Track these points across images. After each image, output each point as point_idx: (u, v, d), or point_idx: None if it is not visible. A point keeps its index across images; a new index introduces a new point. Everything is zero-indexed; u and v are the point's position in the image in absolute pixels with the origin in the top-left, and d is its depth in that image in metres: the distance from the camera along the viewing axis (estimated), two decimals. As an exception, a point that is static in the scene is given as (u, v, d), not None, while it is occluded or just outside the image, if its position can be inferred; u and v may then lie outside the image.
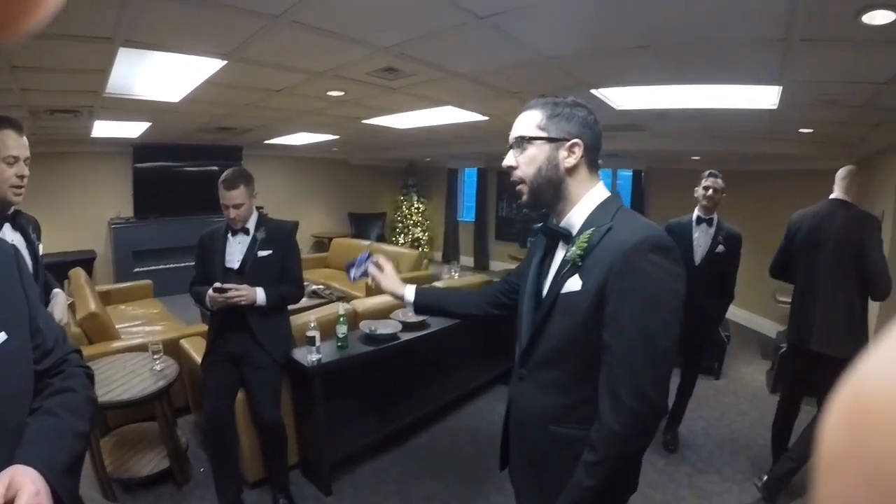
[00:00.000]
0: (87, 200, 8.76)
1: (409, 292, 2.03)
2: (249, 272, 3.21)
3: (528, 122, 1.54)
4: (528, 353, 1.59)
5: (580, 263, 1.45)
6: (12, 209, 2.25)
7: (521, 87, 4.55)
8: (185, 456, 3.69)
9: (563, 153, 1.52)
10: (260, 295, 3.17)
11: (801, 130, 5.60)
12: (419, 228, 13.15)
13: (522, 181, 1.55)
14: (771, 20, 2.63)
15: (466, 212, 13.38)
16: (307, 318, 3.63)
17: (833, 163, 6.59)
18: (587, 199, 1.55)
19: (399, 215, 13.26)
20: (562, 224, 1.58)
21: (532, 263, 1.70)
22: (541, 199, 1.57)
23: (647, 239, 1.37)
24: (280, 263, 3.30)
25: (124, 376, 3.35)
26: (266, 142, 9.43)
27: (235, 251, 3.27)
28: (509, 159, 1.57)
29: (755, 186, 8.27)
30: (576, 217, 1.55)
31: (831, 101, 4.07)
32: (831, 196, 3.46)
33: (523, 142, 1.54)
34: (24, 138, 2.21)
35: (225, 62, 3.79)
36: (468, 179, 13.38)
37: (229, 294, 3.07)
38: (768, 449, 3.88)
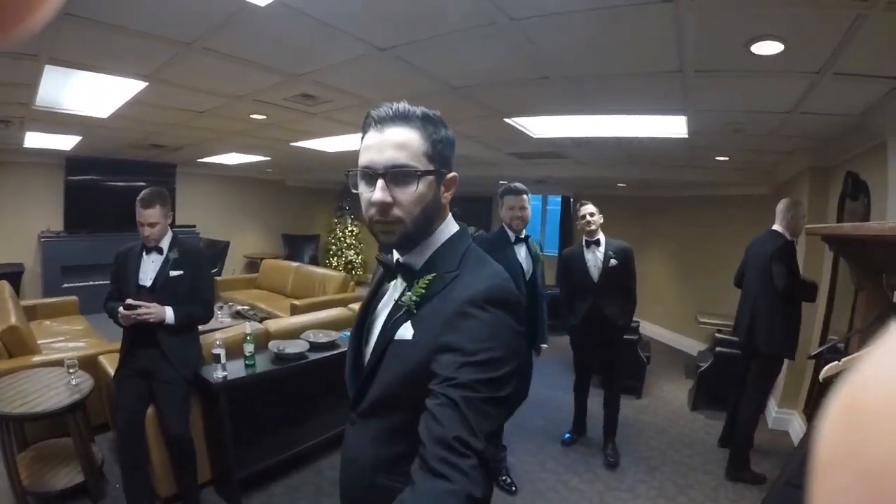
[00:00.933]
0: (17, 212, 8.55)
1: None
2: (160, 291, 3.28)
3: (412, 148, 1.22)
4: (357, 399, 1.39)
5: (415, 311, 1.26)
6: None
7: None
8: (101, 471, 3.68)
9: (443, 188, 1.30)
10: (169, 314, 3.23)
11: (717, 158, 5.90)
12: (352, 251, 13.17)
13: (399, 221, 1.24)
14: (662, 53, 2.80)
15: (398, 236, 13.41)
16: (214, 337, 3.69)
17: (755, 189, 7.08)
18: (438, 233, 1.33)
19: (333, 238, 13.27)
20: (404, 258, 1.36)
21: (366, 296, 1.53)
22: (415, 241, 1.30)
23: (489, 290, 1.19)
24: (191, 284, 3.37)
25: (39, 390, 3.37)
26: (200, 160, 9.38)
27: (149, 269, 3.32)
28: (383, 194, 1.22)
29: (681, 212, 8.64)
30: (422, 252, 1.33)
31: (738, 129, 4.35)
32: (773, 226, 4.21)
33: (408, 176, 1.22)
34: None
35: (146, 83, 3.90)
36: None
37: (139, 311, 3.12)
38: (685, 466, 4.37)
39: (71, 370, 3.49)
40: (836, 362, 1.76)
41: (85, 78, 3.83)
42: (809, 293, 4.09)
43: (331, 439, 4.29)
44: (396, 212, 1.23)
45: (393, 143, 1.22)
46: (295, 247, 12.61)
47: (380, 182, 1.22)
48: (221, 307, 6.96)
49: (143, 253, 3.34)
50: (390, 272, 1.41)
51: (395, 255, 1.38)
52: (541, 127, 5.11)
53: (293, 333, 4.36)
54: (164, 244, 3.35)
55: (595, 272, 4.40)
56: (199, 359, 3.53)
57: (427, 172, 1.24)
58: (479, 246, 1.37)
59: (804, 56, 2.62)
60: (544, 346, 4.05)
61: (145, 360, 3.29)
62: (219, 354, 3.42)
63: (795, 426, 4.96)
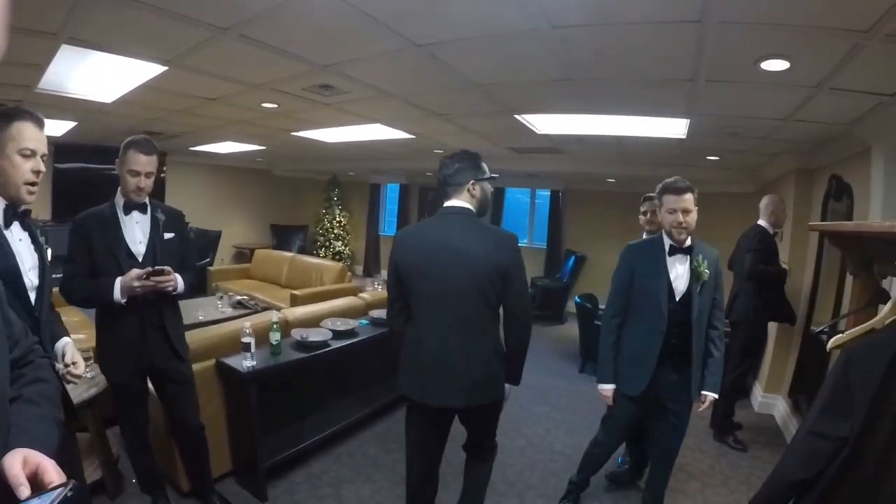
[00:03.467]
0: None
1: None
2: (159, 258, 2.87)
3: None
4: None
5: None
6: (22, 208, 2.08)
7: (449, 109, 4.81)
8: (117, 467, 3.56)
9: None
10: (180, 282, 2.90)
11: (708, 158, 6.15)
12: (340, 242, 13.18)
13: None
14: (680, 63, 3.02)
15: (388, 226, 13.54)
16: (241, 325, 3.60)
17: (741, 187, 7.35)
18: None
19: (321, 228, 13.25)
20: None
21: None
22: None
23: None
24: (180, 249, 3.05)
25: None
26: (191, 148, 9.27)
27: (136, 232, 2.88)
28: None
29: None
30: None
31: (734, 132, 4.60)
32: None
33: None
34: (44, 133, 2.09)
35: (166, 68, 3.80)
36: (390, 195, 13.59)
37: (163, 278, 2.74)
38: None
39: (86, 363, 3.28)
40: (840, 334, 2.06)
41: (97, 60, 3.70)
42: (774, 279, 4.69)
43: (347, 427, 4.37)
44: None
45: None
46: (283, 237, 12.59)
47: None
48: (221, 297, 6.95)
49: (121, 214, 2.86)
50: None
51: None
52: (547, 123, 5.21)
53: (311, 322, 4.39)
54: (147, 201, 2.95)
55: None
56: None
57: None
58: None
59: (806, 73, 2.90)
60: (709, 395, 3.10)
61: (156, 357, 2.94)
62: (249, 343, 3.37)
63: (780, 409, 5.24)
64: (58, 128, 6.95)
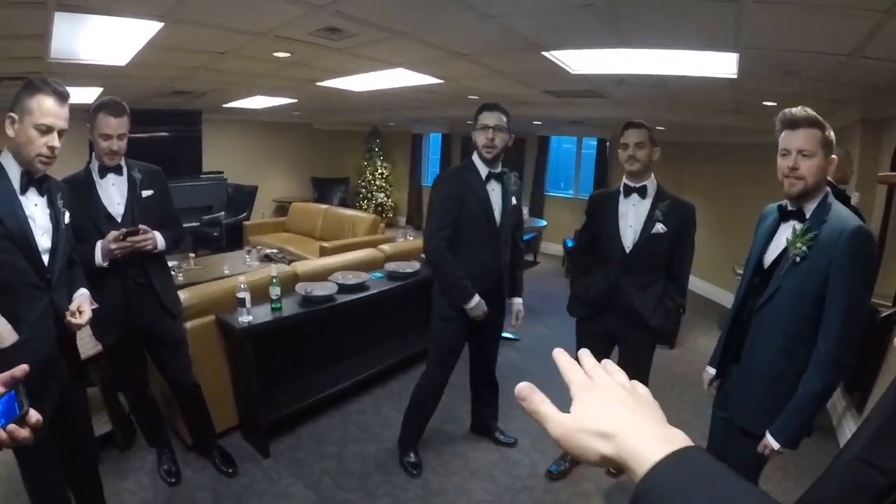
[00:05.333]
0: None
1: None
2: (138, 217, 2.83)
3: None
4: None
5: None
6: (40, 174, 2.19)
7: (469, 47, 4.51)
8: (129, 420, 3.61)
9: None
10: (160, 240, 2.87)
11: (764, 103, 5.59)
12: (383, 193, 13.07)
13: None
14: None
15: (430, 177, 13.31)
16: (238, 281, 3.53)
17: None
18: None
19: (363, 180, 13.16)
20: None
21: None
22: None
23: None
24: (160, 204, 2.99)
25: None
26: (225, 105, 9.24)
27: (113, 194, 2.84)
28: None
29: (720, 159, 8.39)
30: None
31: (792, 71, 4.04)
32: None
33: None
34: (66, 108, 2.15)
35: (161, 24, 3.71)
36: (433, 145, 13.33)
37: (138, 238, 2.71)
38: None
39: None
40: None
41: (98, 24, 3.66)
42: None
43: (359, 383, 4.29)
44: None
45: None
46: (324, 190, 12.56)
47: None
48: (249, 251, 6.96)
49: (96, 177, 2.82)
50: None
51: None
52: (579, 62, 4.81)
53: (322, 275, 4.27)
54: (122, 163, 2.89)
55: (630, 235, 3.05)
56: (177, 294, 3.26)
57: None
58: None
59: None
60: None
61: (146, 316, 2.93)
62: (243, 299, 3.32)
63: (834, 403, 4.68)
64: (87, 94, 6.94)
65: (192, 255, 6.67)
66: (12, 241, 2.03)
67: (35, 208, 2.17)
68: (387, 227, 9.22)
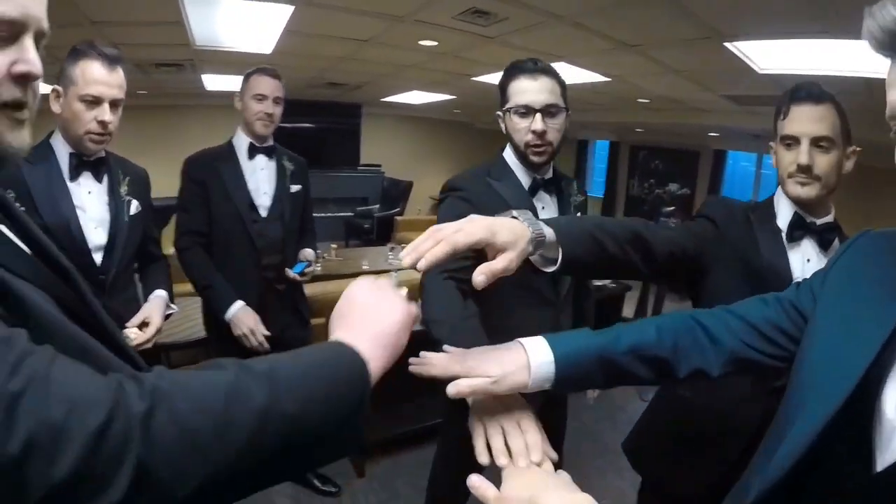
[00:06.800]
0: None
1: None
2: (287, 215, 2.52)
3: None
4: None
5: None
6: (94, 156, 1.87)
7: (637, 35, 3.94)
8: None
9: None
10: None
11: None
12: (544, 201, 12.50)
13: None
14: None
15: (596, 187, 12.52)
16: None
17: None
18: None
19: (524, 183, 12.68)
20: None
21: None
22: None
23: None
24: (304, 205, 2.69)
25: (179, 320, 3.43)
26: (383, 100, 9.29)
27: (262, 180, 2.47)
28: None
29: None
30: None
31: None
32: None
33: None
34: (119, 74, 1.78)
35: (292, 7, 3.62)
36: (599, 153, 12.54)
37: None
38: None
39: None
40: None
41: (230, 8, 3.63)
42: None
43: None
44: None
45: None
46: (485, 190, 12.31)
47: None
48: (392, 248, 6.72)
49: (244, 157, 2.45)
50: None
51: None
52: (769, 56, 3.99)
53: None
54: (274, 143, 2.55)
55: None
56: None
57: None
58: None
59: None
60: None
61: (280, 321, 2.61)
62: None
63: None
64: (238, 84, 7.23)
65: (333, 245, 6.53)
66: (52, 236, 1.63)
67: (88, 197, 1.86)
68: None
